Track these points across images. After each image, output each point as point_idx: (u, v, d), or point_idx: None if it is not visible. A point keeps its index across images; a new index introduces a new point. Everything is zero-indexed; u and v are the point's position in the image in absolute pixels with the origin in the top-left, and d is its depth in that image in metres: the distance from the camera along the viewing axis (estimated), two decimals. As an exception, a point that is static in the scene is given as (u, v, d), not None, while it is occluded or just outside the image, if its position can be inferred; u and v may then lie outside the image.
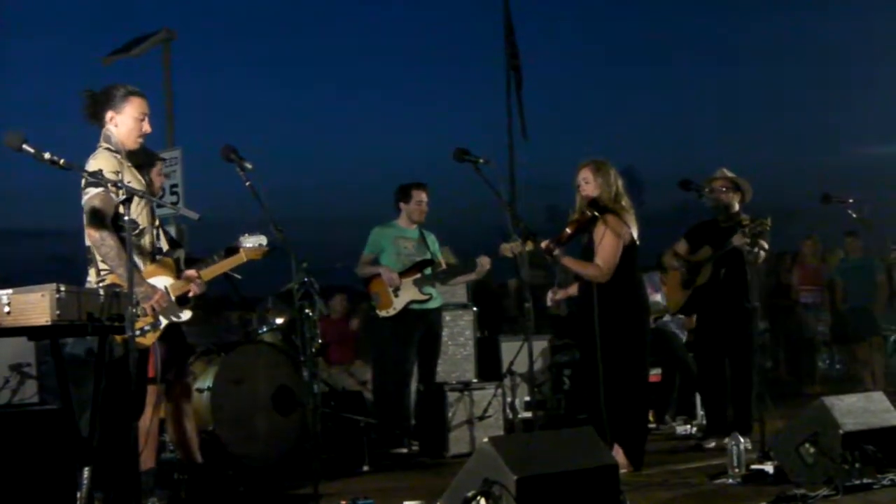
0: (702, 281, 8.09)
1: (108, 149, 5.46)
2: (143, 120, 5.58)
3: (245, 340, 8.34)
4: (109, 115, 5.53)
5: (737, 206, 8.07)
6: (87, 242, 5.43)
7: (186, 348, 6.64)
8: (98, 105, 5.55)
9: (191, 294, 5.80)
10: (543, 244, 6.88)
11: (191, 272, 5.85)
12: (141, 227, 5.52)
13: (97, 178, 5.08)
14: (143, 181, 5.72)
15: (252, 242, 6.20)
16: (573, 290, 7.40)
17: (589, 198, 6.94)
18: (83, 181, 5.30)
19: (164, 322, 5.58)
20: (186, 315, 5.78)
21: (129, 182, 5.23)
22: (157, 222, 5.78)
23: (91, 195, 5.29)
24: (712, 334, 8.11)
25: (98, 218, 5.27)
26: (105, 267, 5.37)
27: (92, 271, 5.44)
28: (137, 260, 5.40)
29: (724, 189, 8.02)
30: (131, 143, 5.58)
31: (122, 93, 5.54)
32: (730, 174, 8.12)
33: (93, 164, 5.31)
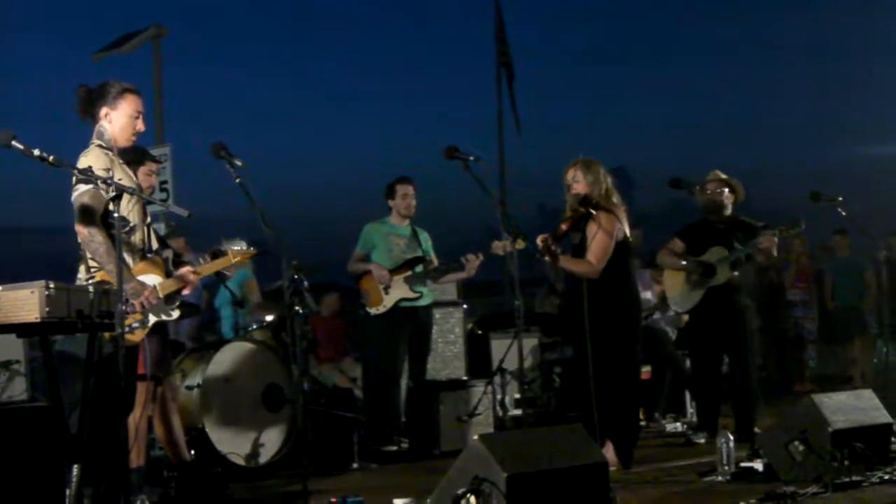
0: (719, 281, 7.95)
1: (100, 146, 5.43)
2: (137, 117, 5.55)
3: (234, 338, 8.31)
4: (104, 111, 5.49)
5: (730, 208, 8.10)
6: (79, 239, 5.41)
7: (172, 346, 6.63)
8: (92, 101, 5.51)
9: (186, 292, 5.78)
10: (540, 240, 6.88)
11: (187, 269, 5.83)
12: (132, 224, 5.50)
13: (87, 175, 5.06)
14: (135, 179, 5.70)
15: (235, 247, 6.27)
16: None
17: (579, 196, 6.95)
18: (74, 178, 5.28)
19: (152, 319, 5.57)
20: (175, 313, 5.78)
21: (119, 179, 5.22)
22: (148, 219, 5.76)
23: (80, 192, 5.26)
24: (715, 334, 8.06)
25: (88, 215, 5.25)
26: (95, 264, 5.36)
27: (82, 268, 5.42)
28: (127, 257, 5.38)
29: (718, 191, 8.04)
30: (124, 140, 5.55)
31: (117, 89, 5.51)
32: (723, 176, 8.13)
33: (83, 161, 5.29)
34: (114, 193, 5.00)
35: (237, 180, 5.66)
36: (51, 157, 4.76)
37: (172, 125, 12.14)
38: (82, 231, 5.27)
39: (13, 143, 4.63)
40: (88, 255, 5.37)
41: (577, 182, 6.98)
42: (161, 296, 5.58)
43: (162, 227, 9.95)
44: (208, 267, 6.17)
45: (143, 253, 5.60)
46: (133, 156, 6.24)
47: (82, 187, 5.25)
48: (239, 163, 5.70)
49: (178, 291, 5.74)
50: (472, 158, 6.39)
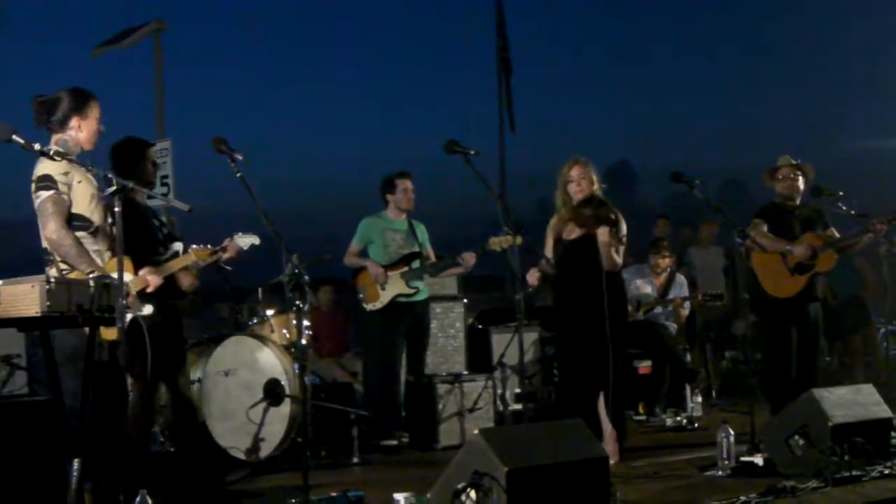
0: (824, 268, 7.73)
1: (57, 152, 5.37)
2: (100, 121, 5.60)
3: (235, 332, 8.31)
4: (75, 121, 5.47)
5: (802, 194, 7.98)
6: (44, 244, 5.38)
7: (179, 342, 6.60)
8: (52, 110, 5.48)
9: (148, 290, 5.71)
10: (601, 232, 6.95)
11: (145, 270, 5.75)
12: (96, 224, 5.46)
13: (87, 166, 5.10)
14: (95, 181, 5.63)
15: (244, 240, 6.24)
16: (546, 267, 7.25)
17: (587, 195, 7.05)
18: (33, 185, 5.28)
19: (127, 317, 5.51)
20: (148, 310, 5.65)
21: (79, 182, 5.27)
22: (109, 220, 5.68)
23: (43, 198, 5.26)
24: (807, 322, 7.84)
25: (53, 219, 5.24)
26: (66, 266, 5.32)
27: (53, 271, 5.35)
28: (96, 257, 5.38)
29: (792, 176, 7.91)
30: (91, 144, 5.58)
31: (85, 98, 5.52)
32: (794, 161, 7.97)
33: (41, 168, 5.28)
34: (112, 189, 4.98)
35: (238, 175, 5.66)
36: (52, 152, 4.77)
37: (173, 120, 12.09)
38: (50, 236, 5.27)
39: (14, 137, 4.64)
40: (58, 258, 5.33)
41: (584, 179, 7.09)
42: (133, 293, 5.51)
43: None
44: (170, 266, 6.07)
45: (111, 251, 5.55)
46: (139, 149, 6.27)
47: (44, 193, 5.26)
48: (240, 157, 5.69)
49: (146, 290, 5.68)
50: (472, 152, 6.39)
